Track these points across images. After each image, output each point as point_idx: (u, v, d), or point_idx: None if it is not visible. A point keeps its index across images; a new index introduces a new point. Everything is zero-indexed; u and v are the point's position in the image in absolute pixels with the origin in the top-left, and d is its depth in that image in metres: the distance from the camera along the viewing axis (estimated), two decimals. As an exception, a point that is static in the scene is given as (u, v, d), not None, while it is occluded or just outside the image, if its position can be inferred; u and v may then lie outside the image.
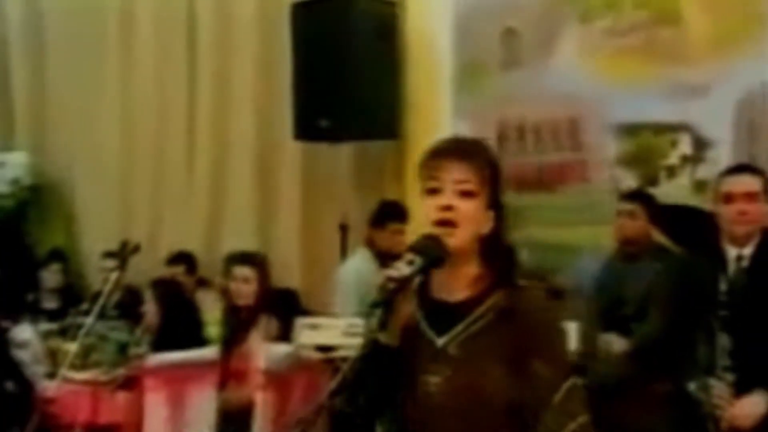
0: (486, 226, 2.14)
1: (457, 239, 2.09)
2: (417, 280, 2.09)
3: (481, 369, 2.08)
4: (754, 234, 3.94)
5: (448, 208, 2.09)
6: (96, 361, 5.58)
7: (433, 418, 2.09)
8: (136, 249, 5.45)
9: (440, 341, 2.13)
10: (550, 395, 2.08)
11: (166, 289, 5.60)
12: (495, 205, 2.16)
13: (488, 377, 2.08)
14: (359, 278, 5.32)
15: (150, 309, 5.44)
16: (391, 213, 5.64)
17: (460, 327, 2.13)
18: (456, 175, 2.11)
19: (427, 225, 2.11)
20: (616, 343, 5.07)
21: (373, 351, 2.02)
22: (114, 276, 5.44)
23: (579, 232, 5.96)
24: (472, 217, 2.11)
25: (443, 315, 2.14)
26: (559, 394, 2.08)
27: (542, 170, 6.22)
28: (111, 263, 5.78)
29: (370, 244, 5.59)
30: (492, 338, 2.10)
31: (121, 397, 5.28)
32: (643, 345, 4.80)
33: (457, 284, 2.14)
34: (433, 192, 2.12)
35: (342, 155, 6.58)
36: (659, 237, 5.29)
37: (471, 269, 2.15)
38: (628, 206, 5.32)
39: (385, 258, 5.60)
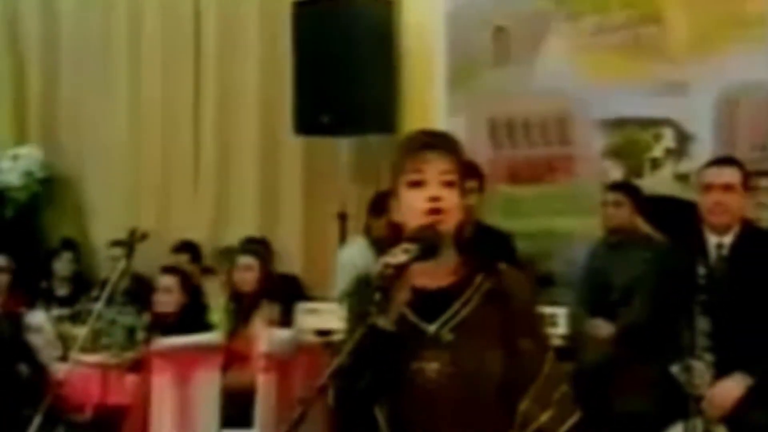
0: (461, 214, 2.16)
1: (447, 227, 2.11)
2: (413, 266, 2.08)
3: (479, 351, 2.10)
4: (734, 223, 3.94)
5: (437, 198, 2.10)
6: (105, 345, 5.57)
7: (433, 403, 2.09)
8: (144, 237, 5.45)
9: (431, 328, 2.13)
10: (537, 369, 2.12)
11: (185, 278, 5.61)
12: (464, 193, 2.18)
13: (486, 358, 2.10)
14: (356, 265, 5.33)
15: (169, 298, 5.42)
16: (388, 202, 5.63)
17: (449, 313, 2.13)
18: (440, 166, 2.12)
19: (414, 216, 2.11)
20: (602, 328, 5.09)
21: (371, 336, 2.01)
22: (122, 263, 5.44)
23: (568, 222, 5.97)
24: (456, 206, 2.13)
25: (428, 302, 2.14)
26: (545, 368, 2.13)
27: (532, 163, 6.23)
28: (119, 251, 5.77)
29: (368, 232, 5.60)
30: (483, 320, 2.12)
31: (130, 379, 5.29)
32: (628, 329, 4.80)
33: (440, 271, 2.15)
34: (417, 184, 2.12)
35: (341, 149, 6.60)
36: (644, 226, 5.31)
37: (449, 257, 2.16)
38: (614, 197, 5.34)
39: (381, 245, 5.61)
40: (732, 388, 3.78)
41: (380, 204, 5.70)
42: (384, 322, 2.02)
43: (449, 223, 2.11)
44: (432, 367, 2.10)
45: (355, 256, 5.48)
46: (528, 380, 2.11)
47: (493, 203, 5.74)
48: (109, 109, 7.71)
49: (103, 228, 7.53)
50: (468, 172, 2.26)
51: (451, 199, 2.11)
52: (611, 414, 4.53)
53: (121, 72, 7.68)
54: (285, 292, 5.43)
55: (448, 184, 2.12)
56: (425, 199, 2.11)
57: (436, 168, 2.12)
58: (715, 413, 3.81)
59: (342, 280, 5.50)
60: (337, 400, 2.10)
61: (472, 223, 2.24)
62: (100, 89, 7.75)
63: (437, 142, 2.18)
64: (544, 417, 2.10)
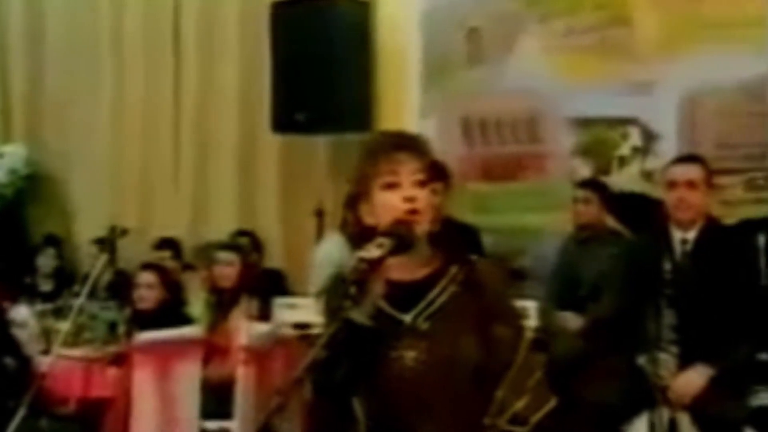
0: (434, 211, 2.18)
1: (423, 226, 2.12)
2: (388, 261, 2.09)
3: (455, 339, 2.11)
4: (698, 219, 3.97)
5: (412, 199, 2.11)
6: (88, 339, 5.54)
7: (412, 391, 2.10)
8: (124, 233, 5.44)
9: (407, 318, 2.14)
10: (512, 357, 2.13)
11: (165, 274, 5.59)
12: (434, 191, 2.20)
13: (460, 346, 2.10)
14: (333, 260, 5.34)
15: (149, 294, 5.40)
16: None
17: (424, 303, 2.14)
18: (412, 166, 2.13)
19: (391, 217, 2.11)
20: (572, 321, 5.11)
21: (346, 330, 2.01)
22: (103, 258, 5.43)
23: (539, 218, 6.00)
24: (430, 204, 2.13)
25: (403, 294, 2.15)
26: (519, 355, 2.14)
27: (504, 161, 6.25)
28: (100, 247, 5.76)
29: (344, 227, 5.59)
30: (458, 308, 2.13)
31: (112, 372, 5.25)
32: (597, 322, 4.83)
33: (411, 265, 2.15)
34: (392, 186, 2.13)
35: (317, 147, 6.60)
36: (612, 222, 5.34)
37: (425, 250, 2.16)
38: (583, 194, 5.36)
39: (355, 241, 5.62)
40: (695, 378, 3.81)
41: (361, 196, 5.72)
42: (359, 316, 2.03)
43: (424, 222, 2.12)
44: (409, 355, 2.11)
45: (331, 251, 5.47)
46: (503, 367, 2.12)
47: (465, 200, 5.76)
48: (92, 108, 7.68)
49: (86, 225, 7.51)
50: (436, 172, 2.26)
51: (424, 198, 2.12)
52: (580, 404, 4.55)
53: (104, 71, 7.66)
54: (265, 287, 5.43)
55: (421, 184, 2.13)
56: (401, 200, 2.11)
57: (408, 169, 2.13)
58: (680, 402, 3.84)
59: (319, 276, 5.49)
60: (314, 393, 2.10)
61: (440, 219, 2.24)
62: (83, 88, 7.72)
63: (408, 143, 2.18)
64: (520, 404, 2.11)
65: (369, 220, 2.16)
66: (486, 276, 2.18)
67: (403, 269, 2.15)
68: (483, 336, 2.11)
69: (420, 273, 2.17)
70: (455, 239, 2.24)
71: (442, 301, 2.14)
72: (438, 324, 2.12)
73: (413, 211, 2.10)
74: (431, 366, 2.10)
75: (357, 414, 2.16)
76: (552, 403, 2.16)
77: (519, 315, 2.28)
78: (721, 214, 4.34)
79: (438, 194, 2.20)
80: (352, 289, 1.99)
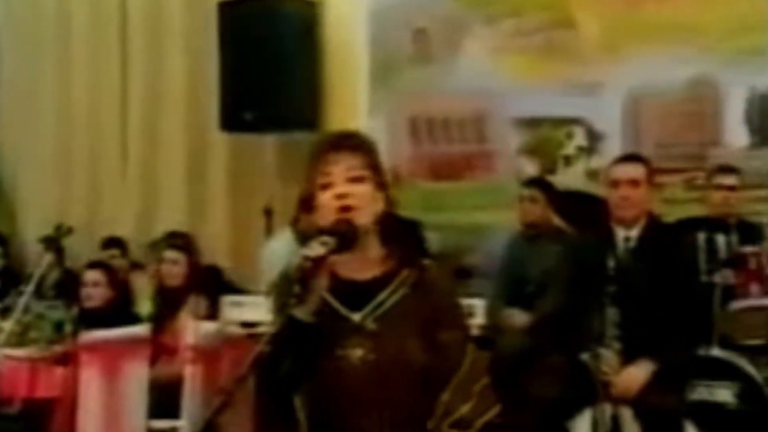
0: (379, 206, 2.16)
1: (361, 221, 2.11)
2: (331, 259, 2.09)
3: (400, 340, 2.11)
4: (640, 217, 4.02)
5: (343, 196, 2.11)
6: (33, 339, 5.47)
7: (355, 390, 2.10)
8: (70, 231, 5.39)
9: (356, 317, 2.14)
10: (458, 361, 2.14)
11: (111, 272, 5.54)
12: (382, 186, 2.18)
13: (407, 348, 2.11)
14: (281, 257, 5.34)
15: (96, 292, 5.35)
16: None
17: (374, 303, 2.14)
18: (344, 164, 2.13)
19: (327, 216, 2.12)
20: (518, 318, 5.15)
21: (290, 327, 2.02)
22: (48, 257, 5.37)
23: (486, 216, 6.04)
24: (367, 199, 2.13)
25: (354, 293, 2.15)
26: (466, 360, 2.14)
27: (451, 160, 6.28)
28: (46, 246, 5.69)
29: (295, 224, 5.60)
30: (405, 311, 2.13)
31: (58, 372, 5.20)
32: (542, 319, 4.88)
33: (363, 264, 2.16)
34: (327, 186, 2.13)
35: (266, 145, 6.58)
36: (557, 220, 5.39)
37: (374, 249, 2.17)
38: (529, 192, 5.41)
39: (305, 239, 5.63)
40: (638, 373, 3.85)
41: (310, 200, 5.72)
42: (302, 313, 2.03)
43: (362, 217, 2.11)
44: (355, 354, 2.11)
45: (281, 248, 5.48)
46: (450, 371, 2.12)
47: (414, 198, 5.78)
48: (38, 106, 7.58)
49: (33, 223, 7.41)
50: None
51: (360, 193, 2.12)
52: (525, 400, 4.59)
53: (49, 69, 7.56)
54: (211, 285, 5.41)
55: (355, 180, 2.13)
56: (333, 197, 2.12)
57: (341, 167, 2.13)
58: (623, 397, 3.88)
59: (267, 274, 5.48)
60: (258, 391, 2.10)
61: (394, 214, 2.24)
62: (29, 87, 7.61)
63: (341, 141, 2.19)
64: (465, 408, 2.11)
65: (320, 222, 2.16)
66: (435, 280, 2.19)
67: (355, 268, 2.15)
68: (430, 340, 2.12)
69: (372, 272, 2.17)
70: (407, 240, 2.24)
71: (391, 303, 2.14)
72: (386, 325, 2.12)
73: (345, 208, 2.10)
74: (376, 366, 2.10)
75: (298, 414, 2.15)
76: (497, 408, 2.16)
77: (466, 319, 2.30)
78: (662, 212, 4.40)
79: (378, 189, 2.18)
80: (296, 288, 2.00)
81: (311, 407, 2.15)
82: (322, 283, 2.05)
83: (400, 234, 2.21)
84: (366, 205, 2.13)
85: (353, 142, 2.19)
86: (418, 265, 2.19)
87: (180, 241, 5.77)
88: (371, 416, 2.11)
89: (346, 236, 2.08)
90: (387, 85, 6.43)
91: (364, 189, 2.13)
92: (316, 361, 2.09)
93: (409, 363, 2.10)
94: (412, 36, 6.37)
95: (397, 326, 2.12)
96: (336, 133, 2.31)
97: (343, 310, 2.15)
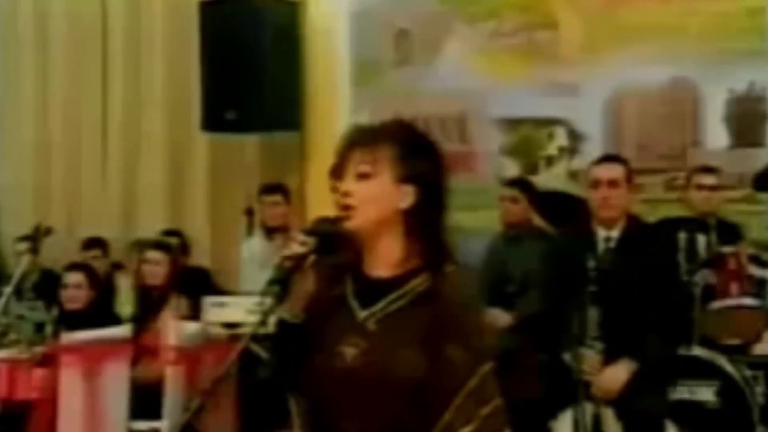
0: (402, 200, 2.04)
1: (356, 221, 2.02)
2: (311, 258, 2.04)
3: (393, 347, 1.99)
4: (620, 218, 4.03)
5: (345, 194, 2.04)
6: (14, 340, 5.44)
7: (343, 390, 2.01)
8: (48, 232, 5.34)
9: (361, 315, 2.05)
10: (464, 380, 1.96)
11: (92, 273, 5.51)
12: (413, 179, 2.05)
13: (399, 356, 1.99)
14: (253, 256, 5.36)
15: (77, 294, 5.31)
16: (266, 188, 5.81)
17: (380, 304, 2.04)
18: (353, 161, 2.05)
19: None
20: (500, 318, 5.15)
21: (275, 327, 2.00)
22: (27, 258, 5.33)
23: (468, 216, 6.02)
24: (370, 198, 2.02)
25: (370, 291, 2.06)
26: (474, 379, 1.96)
27: (433, 160, 6.27)
28: (25, 246, 5.65)
29: (261, 220, 5.65)
30: (407, 319, 2.01)
31: (38, 373, 5.16)
32: (524, 319, 4.87)
33: (381, 262, 2.06)
34: (339, 184, 2.08)
35: (247, 145, 6.58)
36: (539, 220, 5.39)
37: (393, 247, 2.06)
38: (510, 192, 5.41)
39: (270, 232, 5.66)
40: (619, 373, 3.86)
41: (259, 191, 5.74)
42: (286, 313, 2.01)
43: (359, 218, 2.03)
44: (350, 351, 2.02)
45: (253, 248, 5.49)
46: (451, 390, 1.95)
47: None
48: (17, 106, 7.55)
49: (12, 224, 7.36)
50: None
51: (362, 191, 2.03)
52: (507, 400, 4.59)
53: (28, 69, 7.52)
54: (194, 286, 5.39)
55: (361, 176, 2.04)
56: (340, 195, 2.05)
57: (349, 164, 2.06)
58: (605, 397, 3.89)
59: (245, 271, 5.49)
60: (243, 389, 2.09)
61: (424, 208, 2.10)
62: (7, 86, 7.58)
63: (353, 137, 2.09)
64: (466, 431, 1.95)
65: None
66: (451, 290, 2.01)
67: (374, 266, 2.07)
68: (430, 353, 1.97)
69: (387, 273, 2.06)
70: (437, 239, 2.07)
71: (395, 307, 2.03)
72: (383, 330, 2.02)
73: (346, 207, 2.03)
74: (366, 368, 2.00)
75: (292, 410, 2.12)
76: None
77: (481, 337, 2.05)
78: (643, 212, 4.41)
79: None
80: (276, 288, 1.97)
81: (304, 403, 2.10)
82: (305, 283, 2.02)
83: (429, 231, 2.08)
84: (367, 205, 2.03)
85: (367, 135, 2.08)
86: (437, 271, 2.03)
87: (175, 239, 5.77)
88: (352, 420, 2.01)
89: (326, 237, 2.03)
90: (368, 85, 6.42)
91: (368, 187, 2.03)
92: (303, 361, 2.04)
93: (397, 372, 1.97)
94: (394, 36, 6.37)
95: (395, 332, 2.01)
96: (357, 127, 2.16)
97: (354, 306, 2.07)
